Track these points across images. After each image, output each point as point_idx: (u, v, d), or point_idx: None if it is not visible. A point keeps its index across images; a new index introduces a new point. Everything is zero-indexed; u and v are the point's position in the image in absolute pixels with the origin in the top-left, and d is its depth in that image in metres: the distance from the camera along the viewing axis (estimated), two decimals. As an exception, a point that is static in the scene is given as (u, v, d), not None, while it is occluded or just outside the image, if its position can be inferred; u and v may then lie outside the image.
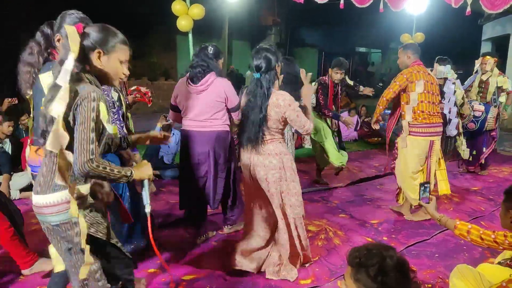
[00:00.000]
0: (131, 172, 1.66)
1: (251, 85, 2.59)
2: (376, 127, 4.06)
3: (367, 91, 5.01)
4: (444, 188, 3.96)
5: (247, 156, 2.64)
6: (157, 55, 13.52)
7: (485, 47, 10.97)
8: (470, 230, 2.24)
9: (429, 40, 7.87)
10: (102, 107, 1.57)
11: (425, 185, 2.38)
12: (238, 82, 10.68)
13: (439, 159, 3.88)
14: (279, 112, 2.49)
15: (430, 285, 2.74)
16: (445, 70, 4.51)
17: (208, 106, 3.02)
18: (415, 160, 3.72)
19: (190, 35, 5.36)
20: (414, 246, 3.30)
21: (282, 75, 2.71)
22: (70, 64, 1.52)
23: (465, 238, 2.27)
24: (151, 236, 1.84)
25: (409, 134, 3.71)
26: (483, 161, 5.39)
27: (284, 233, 2.70)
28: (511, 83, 5.19)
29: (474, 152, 5.30)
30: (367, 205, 4.29)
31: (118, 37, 1.68)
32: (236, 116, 3.06)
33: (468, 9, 6.08)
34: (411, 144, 3.71)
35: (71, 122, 1.54)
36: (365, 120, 8.20)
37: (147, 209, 1.80)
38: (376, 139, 7.78)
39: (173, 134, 5.28)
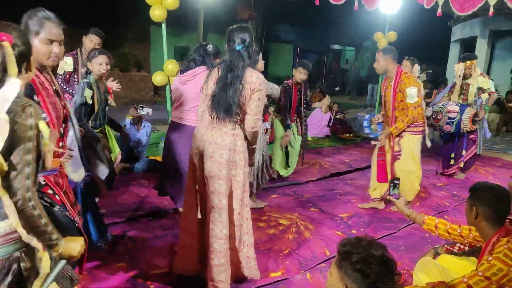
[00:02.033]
0: (59, 240, 1.39)
1: (229, 57, 2.38)
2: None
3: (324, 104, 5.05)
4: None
5: (202, 132, 2.42)
6: (130, 46, 13.21)
7: (454, 48, 11.33)
8: (438, 225, 2.31)
9: (401, 40, 8.06)
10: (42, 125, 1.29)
11: (395, 181, 2.43)
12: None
13: None
14: (248, 88, 2.32)
15: (401, 281, 2.80)
16: (417, 69, 4.65)
17: (190, 97, 3.05)
18: (419, 155, 3.97)
19: (163, 26, 5.27)
20: (381, 239, 3.38)
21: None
22: (13, 92, 1.22)
23: (433, 233, 2.35)
24: None
25: (411, 134, 3.87)
26: (462, 164, 5.24)
27: (223, 227, 2.39)
28: (492, 84, 5.14)
29: (452, 155, 5.25)
30: (337, 199, 4.35)
31: (38, 16, 1.64)
32: None
33: (439, 10, 6.26)
34: (417, 143, 3.91)
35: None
36: (337, 116, 8.31)
37: None
38: (348, 135, 7.91)
39: (144, 126, 5.18)
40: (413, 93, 3.70)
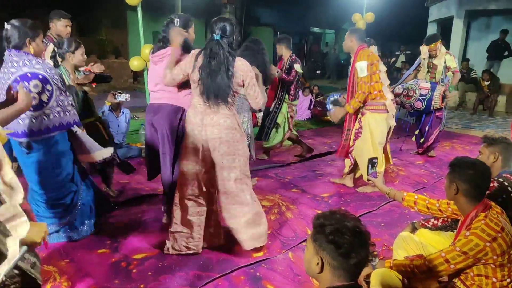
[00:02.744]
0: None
1: (209, 46, 2.55)
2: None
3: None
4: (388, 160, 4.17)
5: (199, 118, 2.57)
6: (106, 32, 12.87)
7: (431, 28, 11.44)
8: (417, 201, 2.35)
9: (379, 21, 8.08)
10: None
11: (373, 160, 2.46)
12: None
13: None
14: (241, 75, 2.55)
15: (375, 252, 2.87)
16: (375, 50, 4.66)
17: (158, 77, 2.92)
18: (380, 135, 3.86)
19: (139, 9, 5.13)
20: (362, 217, 3.45)
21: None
22: None
23: (413, 209, 2.38)
24: None
25: (371, 112, 3.82)
26: (431, 141, 5.32)
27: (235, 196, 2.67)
28: (457, 62, 5.24)
29: (417, 132, 5.34)
30: (318, 179, 4.41)
31: None
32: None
33: (415, -10, 6.29)
34: (376, 122, 3.82)
35: None
36: (317, 99, 8.34)
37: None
38: (328, 117, 7.96)
39: (123, 113, 5.10)
40: (363, 66, 3.68)
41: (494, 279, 1.82)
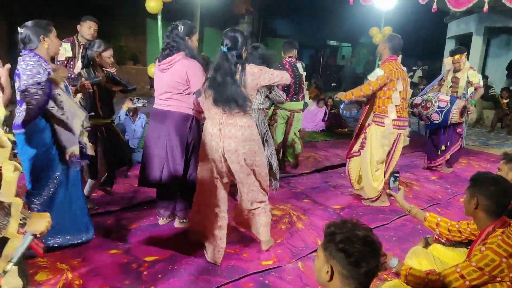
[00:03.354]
0: (26, 218, 1.47)
1: (216, 59, 2.62)
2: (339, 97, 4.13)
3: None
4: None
5: (217, 128, 2.61)
6: (125, 39, 13.13)
7: (450, 44, 11.35)
8: (440, 223, 2.30)
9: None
10: None
11: (395, 174, 2.38)
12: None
13: None
14: (254, 79, 2.60)
15: (386, 263, 2.84)
16: None
17: (168, 86, 2.94)
18: (381, 150, 3.81)
19: (159, 18, 5.26)
20: (374, 230, 3.39)
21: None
22: None
23: (434, 231, 2.32)
24: None
25: (376, 124, 3.81)
26: (448, 156, 5.24)
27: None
28: (481, 78, 5.11)
29: (443, 147, 5.20)
30: (330, 191, 4.39)
31: None
32: (201, 102, 2.91)
33: (434, 6, 6.26)
34: (380, 135, 3.78)
35: None
36: (332, 111, 8.34)
37: (9, 266, 1.42)
38: (343, 129, 7.94)
39: (139, 118, 5.18)
40: (376, 72, 3.72)
41: None
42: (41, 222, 1.55)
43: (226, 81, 2.54)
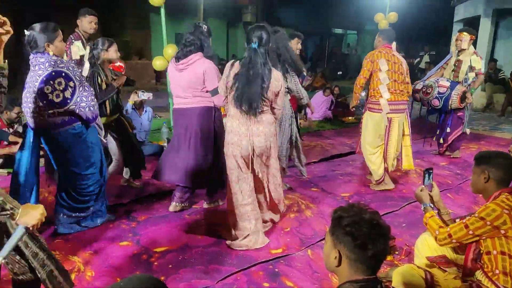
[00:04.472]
0: (14, 208, 1.44)
1: (248, 55, 2.60)
2: (352, 108, 4.42)
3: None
4: (406, 163, 4.09)
5: (245, 128, 2.67)
6: (130, 33, 13.13)
7: (457, 28, 11.14)
8: (440, 230, 2.10)
9: (402, 21, 7.95)
10: None
11: (429, 171, 2.31)
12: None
13: (404, 135, 4.00)
14: (277, 85, 2.65)
15: (397, 252, 2.84)
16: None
17: (187, 85, 3.07)
18: (371, 134, 3.91)
19: (162, 10, 5.24)
20: (383, 216, 3.38)
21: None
22: None
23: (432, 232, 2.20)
24: None
25: (368, 110, 3.93)
26: (449, 141, 5.18)
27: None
28: (484, 65, 5.06)
29: (441, 140, 5.20)
30: (338, 179, 4.37)
31: None
32: (217, 101, 3.09)
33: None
34: (370, 119, 3.91)
35: None
36: (339, 100, 8.28)
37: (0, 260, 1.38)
38: (350, 118, 7.89)
39: (146, 111, 5.19)
40: (361, 70, 3.91)
41: None
42: (33, 214, 1.47)
43: (255, 80, 2.57)
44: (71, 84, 2.59)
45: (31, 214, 1.46)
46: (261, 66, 2.57)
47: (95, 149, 2.89)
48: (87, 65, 3.62)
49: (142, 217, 3.26)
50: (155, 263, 2.60)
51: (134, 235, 2.96)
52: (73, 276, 2.42)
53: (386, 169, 4.02)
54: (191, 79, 3.04)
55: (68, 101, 2.58)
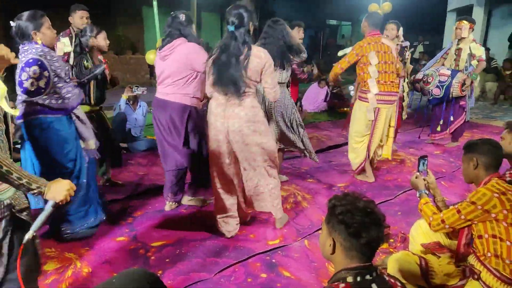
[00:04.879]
0: (40, 186, 1.49)
1: (224, 39, 2.57)
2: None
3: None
4: (385, 152, 4.09)
5: (221, 109, 2.59)
6: (123, 28, 13.02)
7: (450, 18, 11.16)
8: (433, 216, 2.13)
9: (396, 11, 7.92)
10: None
11: (424, 158, 2.33)
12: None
13: (389, 126, 3.97)
14: (260, 63, 2.53)
15: (392, 240, 2.86)
16: (395, 32, 4.65)
17: (170, 71, 2.95)
18: (358, 123, 3.92)
19: (155, 3, 5.19)
20: (379, 205, 3.40)
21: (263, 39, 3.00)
22: None
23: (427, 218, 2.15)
24: (18, 271, 1.50)
25: (359, 99, 3.92)
26: (451, 129, 5.18)
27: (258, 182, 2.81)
28: (483, 51, 5.02)
29: (441, 121, 5.17)
30: (334, 170, 4.39)
31: None
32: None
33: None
34: (358, 109, 3.91)
35: None
36: (334, 91, 8.27)
37: (28, 235, 1.49)
38: (346, 109, 7.89)
39: (140, 106, 5.18)
40: (345, 51, 3.93)
41: (508, 243, 1.82)
42: (60, 190, 1.52)
43: (230, 62, 2.51)
44: (46, 74, 2.48)
45: (58, 190, 1.51)
46: (237, 48, 2.50)
47: (69, 144, 2.70)
48: (68, 49, 3.53)
49: (138, 213, 3.26)
50: (152, 258, 2.60)
51: (131, 231, 2.96)
52: (69, 272, 2.43)
53: (370, 161, 4.00)
54: (176, 65, 2.91)
55: (42, 90, 2.50)
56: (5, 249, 1.56)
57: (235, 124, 2.57)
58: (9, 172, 1.42)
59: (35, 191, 1.48)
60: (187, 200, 3.41)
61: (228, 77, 2.51)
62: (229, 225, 2.87)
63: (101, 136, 3.41)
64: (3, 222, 1.54)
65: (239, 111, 2.56)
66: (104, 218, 2.98)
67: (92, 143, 2.88)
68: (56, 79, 2.55)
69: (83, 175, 2.79)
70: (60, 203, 1.53)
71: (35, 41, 2.50)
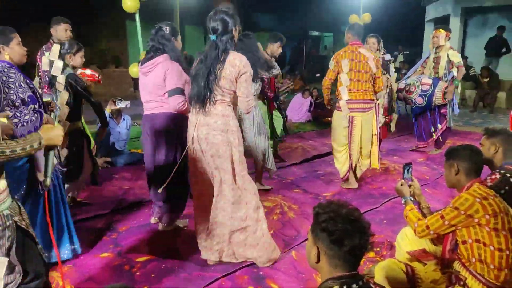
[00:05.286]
0: (40, 141, 1.56)
1: (206, 48, 2.51)
2: (329, 107, 4.48)
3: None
4: (373, 162, 4.13)
5: (195, 117, 2.53)
6: (106, 42, 12.96)
7: (428, 28, 11.45)
8: (418, 223, 2.16)
9: (376, 21, 8.10)
10: None
11: (409, 165, 2.35)
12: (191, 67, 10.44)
13: (372, 135, 4.02)
14: (233, 71, 2.40)
15: (378, 248, 2.87)
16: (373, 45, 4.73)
17: (149, 88, 2.92)
18: (336, 132, 4.02)
19: (137, 16, 5.18)
20: (364, 214, 3.43)
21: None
22: None
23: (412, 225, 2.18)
24: (47, 212, 1.80)
25: (336, 109, 4.03)
26: (440, 138, 5.31)
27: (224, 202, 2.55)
28: (460, 57, 5.14)
29: (432, 129, 5.29)
30: (320, 179, 4.41)
31: None
32: (172, 102, 2.82)
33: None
34: (336, 118, 4.02)
35: None
36: (317, 101, 8.36)
37: (48, 182, 1.70)
38: (330, 119, 7.96)
39: (124, 119, 5.13)
40: (330, 62, 3.97)
41: (492, 248, 1.83)
42: (56, 135, 1.62)
43: (205, 72, 2.43)
44: None
45: (53, 136, 1.62)
46: (216, 57, 2.40)
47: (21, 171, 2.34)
48: (59, 63, 3.35)
49: (122, 228, 3.20)
50: (137, 273, 2.55)
51: (115, 246, 2.90)
52: (52, 291, 2.36)
53: (352, 168, 4.05)
54: (155, 82, 2.88)
55: None
56: (14, 260, 1.61)
57: (203, 131, 2.48)
58: (14, 151, 1.46)
59: (37, 147, 1.55)
60: (161, 227, 3.17)
61: (201, 85, 2.44)
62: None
63: (79, 153, 3.25)
64: (6, 231, 1.57)
65: (209, 119, 2.47)
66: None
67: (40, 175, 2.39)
68: (5, 102, 2.27)
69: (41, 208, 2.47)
70: (60, 147, 1.63)
71: (1, 60, 2.35)
